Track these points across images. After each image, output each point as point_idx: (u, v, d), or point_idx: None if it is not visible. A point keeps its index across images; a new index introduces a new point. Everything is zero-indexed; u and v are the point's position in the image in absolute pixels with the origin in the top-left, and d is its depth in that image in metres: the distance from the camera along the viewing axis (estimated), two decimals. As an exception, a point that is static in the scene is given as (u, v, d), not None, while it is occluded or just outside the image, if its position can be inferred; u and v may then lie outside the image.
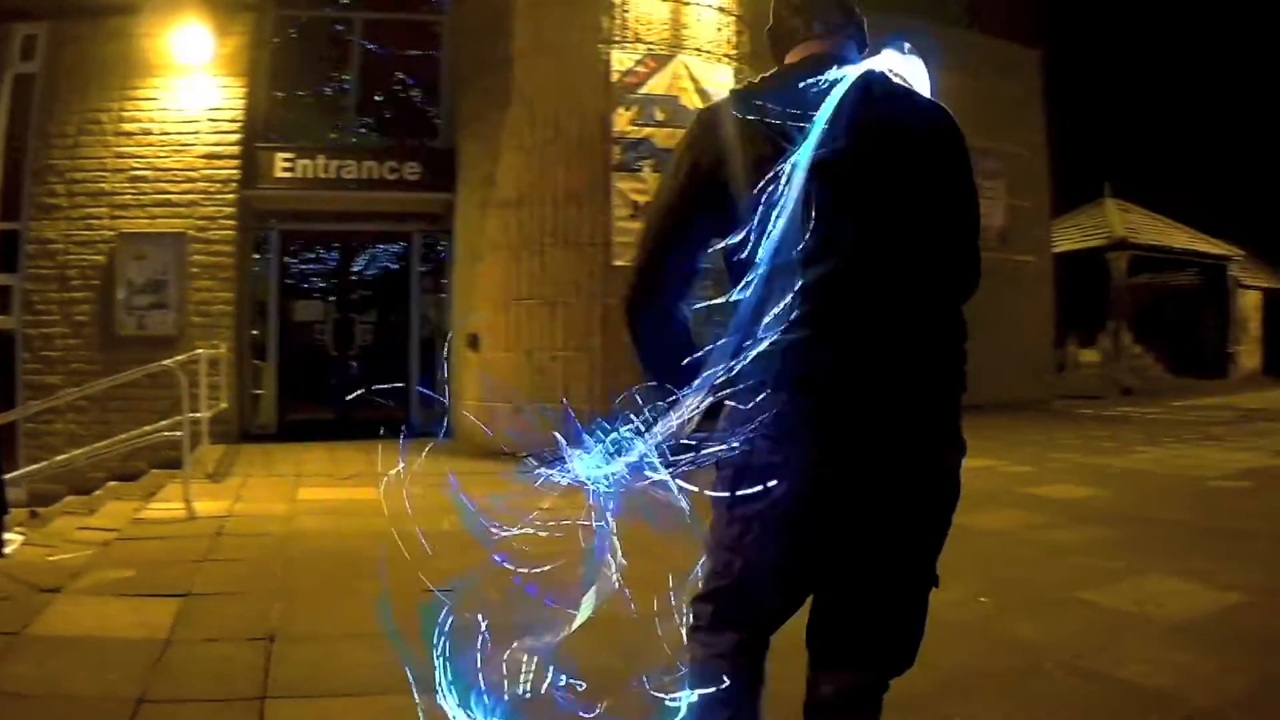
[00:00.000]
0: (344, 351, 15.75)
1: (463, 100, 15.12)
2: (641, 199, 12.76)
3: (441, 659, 3.24)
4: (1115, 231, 31.33)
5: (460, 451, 13.59)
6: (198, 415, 10.47)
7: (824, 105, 2.63)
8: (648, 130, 12.94)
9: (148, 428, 11.17)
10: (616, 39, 13.03)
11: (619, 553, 3.03)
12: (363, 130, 16.94)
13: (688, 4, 13.42)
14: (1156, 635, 5.68)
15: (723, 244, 2.90)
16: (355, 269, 17.74)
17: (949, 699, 4.59)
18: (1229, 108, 38.80)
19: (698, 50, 13.35)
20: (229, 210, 14.74)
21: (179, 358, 10.82)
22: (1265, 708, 4.62)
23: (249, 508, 9.30)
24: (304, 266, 17.87)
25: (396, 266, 17.65)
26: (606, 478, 2.91)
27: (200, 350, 11.34)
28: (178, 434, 9.88)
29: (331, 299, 17.00)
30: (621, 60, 13.01)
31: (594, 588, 3.06)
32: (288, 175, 14.96)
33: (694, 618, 2.87)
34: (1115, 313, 31.13)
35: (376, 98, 17.16)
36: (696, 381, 2.75)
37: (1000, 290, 22.89)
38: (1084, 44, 28.86)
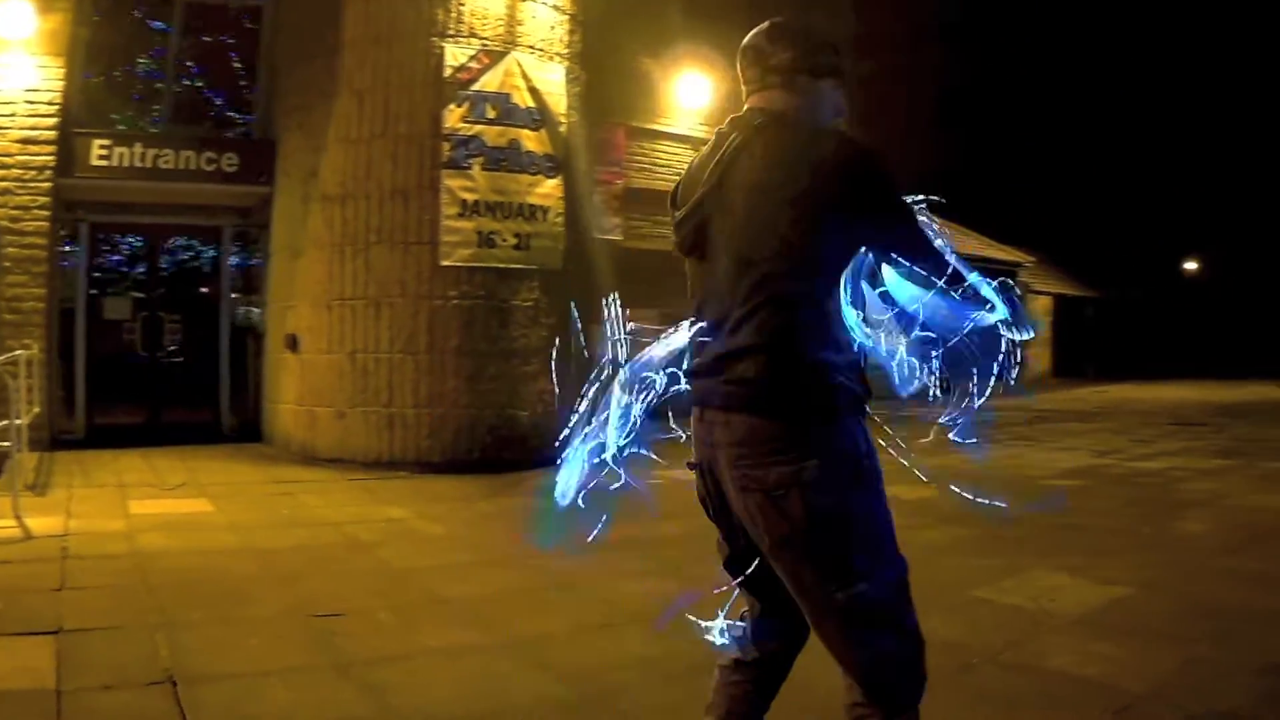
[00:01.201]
0: (154, 352, 14.89)
1: (286, 90, 14.36)
2: (471, 197, 12.43)
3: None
4: (943, 238, 32.00)
5: (278, 457, 13.15)
6: (19, 422, 9.63)
7: None
8: (479, 127, 12.50)
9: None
10: (451, 33, 12.52)
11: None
12: (181, 119, 15.75)
13: (524, 0, 13.00)
14: (1064, 628, 5.75)
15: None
16: (166, 264, 16.80)
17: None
18: (1020, 117, 40.15)
19: (531, 48, 12.98)
20: (44, 200, 13.49)
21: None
22: (1196, 688, 4.71)
23: (85, 524, 8.49)
24: (114, 262, 16.92)
25: (209, 262, 16.79)
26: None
27: (19, 351, 10.44)
28: (4, 444, 9.08)
29: (141, 296, 16.07)
30: (455, 55, 12.52)
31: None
32: (104, 164, 13.84)
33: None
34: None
35: (197, 85, 16.11)
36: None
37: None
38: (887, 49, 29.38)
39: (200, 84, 15.95)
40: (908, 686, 2.85)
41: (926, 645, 2.88)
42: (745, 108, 3.17)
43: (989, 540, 8.42)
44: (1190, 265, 48.98)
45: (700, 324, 2.99)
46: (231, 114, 16.24)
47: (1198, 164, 41.41)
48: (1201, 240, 45.46)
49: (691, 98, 21.44)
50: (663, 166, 21.33)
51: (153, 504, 9.43)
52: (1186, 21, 39.85)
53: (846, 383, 2.82)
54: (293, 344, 13.20)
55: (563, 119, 13.16)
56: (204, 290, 16.58)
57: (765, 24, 3.21)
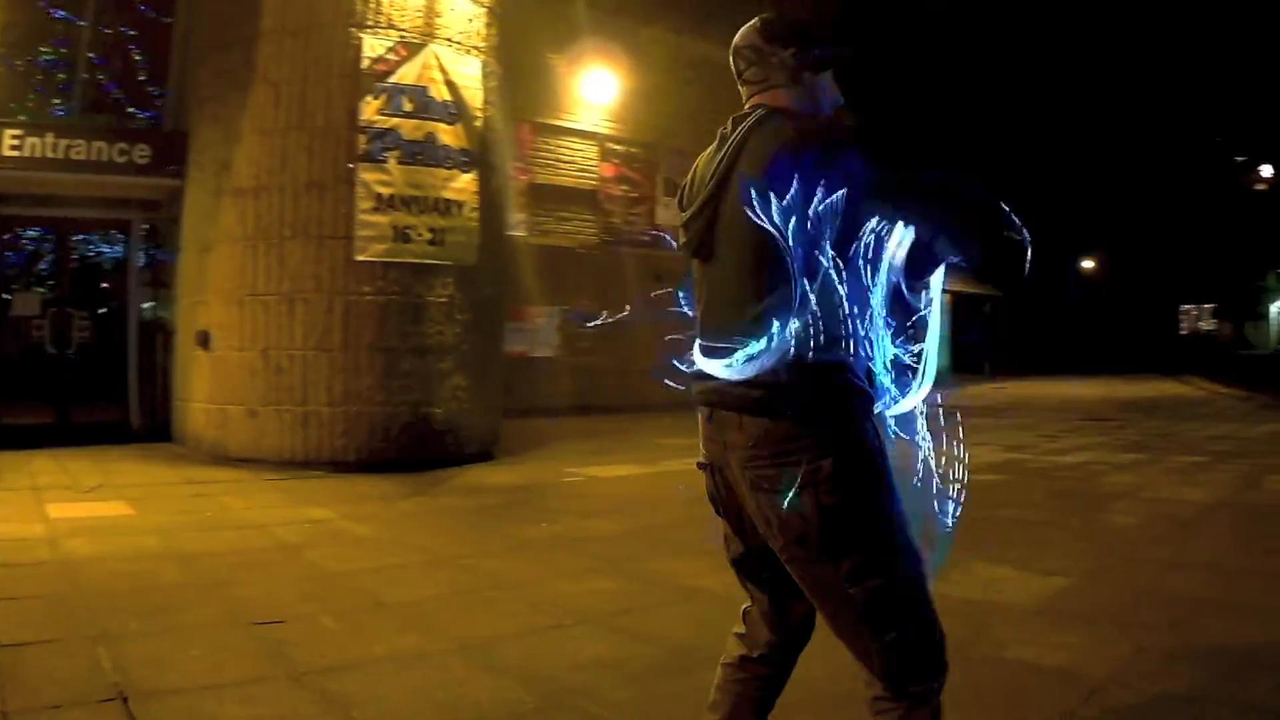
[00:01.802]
0: (63, 349, 14.34)
1: (201, 80, 13.74)
2: (386, 191, 12.15)
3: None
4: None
5: (190, 457, 12.71)
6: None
7: None
8: (395, 120, 12.22)
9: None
10: (369, 24, 12.21)
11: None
12: (93, 109, 15.22)
13: (443, -9, 12.81)
14: (1017, 619, 5.76)
15: None
16: (75, 259, 16.23)
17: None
18: (923, 115, 40.53)
19: (449, 40, 12.69)
20: (-44, 191, 12.93)
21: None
22: (1154, 673, 4.77)
23: (5, 530, 8.06)
24: (21, 256, 16.36)
25: (117, 257, 16.27)
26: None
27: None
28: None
29: (49, 292, 15.51)
30: (373, 46, 12.22)
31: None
32: (15, 154, 13.22)
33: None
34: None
35: (108, 75, 15.37)
36: None
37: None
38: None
39: (112, 74, 15.35)
40: (928, 678, 2.82)
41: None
42: (748, 105, 3.13)
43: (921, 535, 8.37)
44: (1086, 264, 50.00)
45: (708, 326, 3.00)
46: (143, 104, 15.62)
47: (1093, 164, 42.23)
48: (1096, 240, 46.40)
49: (596, 93, 21.33)
50: (566, 162, 21.21)
51: (71, 507, 9.00)
52: (1083, 26, 40.55)
53: (856, 381, 2.82)
54: (204, 341, 12.75)
55: (479, 113, 12.92)
56: (113, 286, 16.04)
57: (756, 22, 3.14)
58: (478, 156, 12.88)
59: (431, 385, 12.41)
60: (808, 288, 2.72)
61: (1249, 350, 52.07)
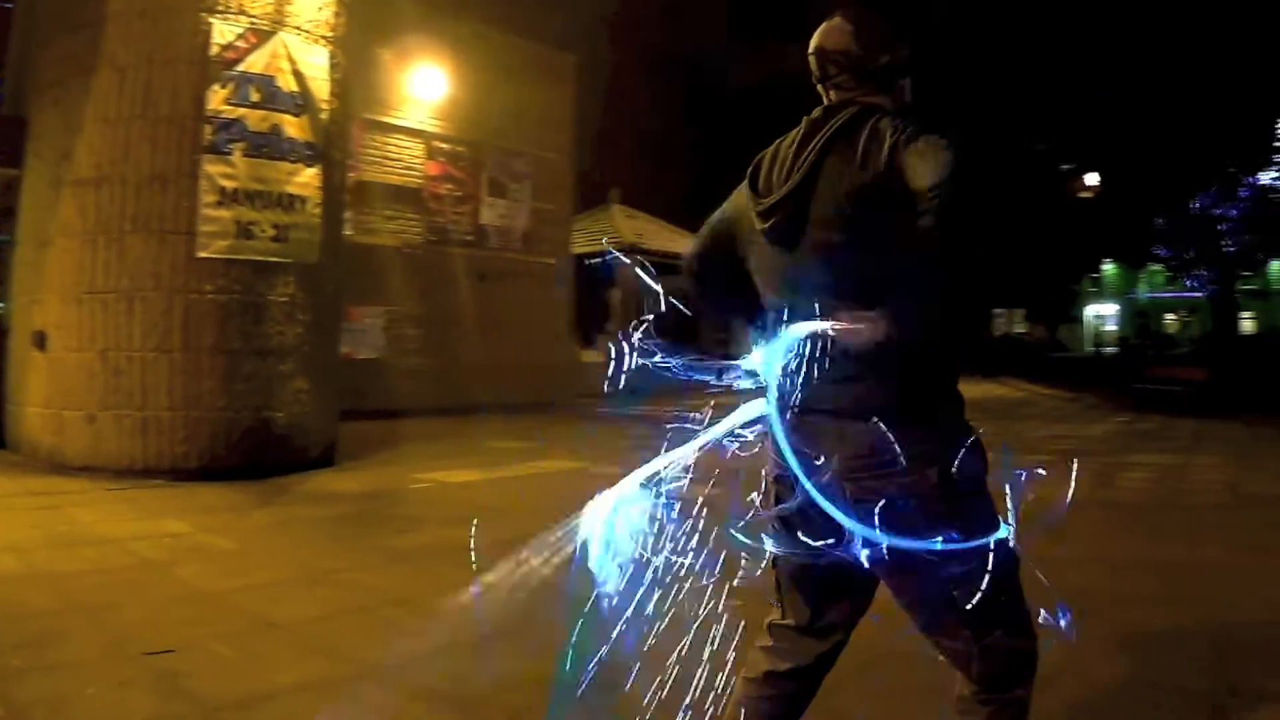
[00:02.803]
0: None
1: (42, 64, 12.72)
2: (230, 184, 11.42)
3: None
4: (625, 237, 32.00)
5: (26, 465, 11.79)
6: None
7: None
8: (242, 111, 11.47)
9: None
10: (220, 8, 11.42)
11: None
12: None
13: (295, -23, 12.07)
14: None
15: None
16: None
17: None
18: (738, 123, 40.78)
19: (298, 29, 11.99)
20: None
21: None
22: (1100, 663, 4.87)
23: None
24: None
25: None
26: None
27: None
28: None
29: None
30: (223, 32, 11.45)
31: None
32: None
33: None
34: (622, 315, 31.81)
35: None
36: None
37: (523, 292, 23.02)
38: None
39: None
40: (1025, 678, 2.75)
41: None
42: (835, 101, 2.97)
43: None
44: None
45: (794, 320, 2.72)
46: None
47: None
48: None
49: (425, 90, 20.89)
50: (393, 160, 20.70)
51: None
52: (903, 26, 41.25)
53: (952, 383, 2.77)
54: (40, 342, 11.75)
55: (325, 105, 12.26)
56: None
57: (842, 23, 2.99)
58: (321, 150, 12.22)
59: (273, 388, 11.72)
60: (916, 286, 2.55)
61: (1062, 353, 54.10)
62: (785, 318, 2.76)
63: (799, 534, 2.80)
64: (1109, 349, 58.86)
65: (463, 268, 21.88)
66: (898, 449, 2.58)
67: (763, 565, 2.97)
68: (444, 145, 21.70)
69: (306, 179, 12.00)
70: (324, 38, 12.36)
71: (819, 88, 3.02)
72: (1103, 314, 72.66)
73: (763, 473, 2.96)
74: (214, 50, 11.44)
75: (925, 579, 2.65)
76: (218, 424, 11.39)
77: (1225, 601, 6.22)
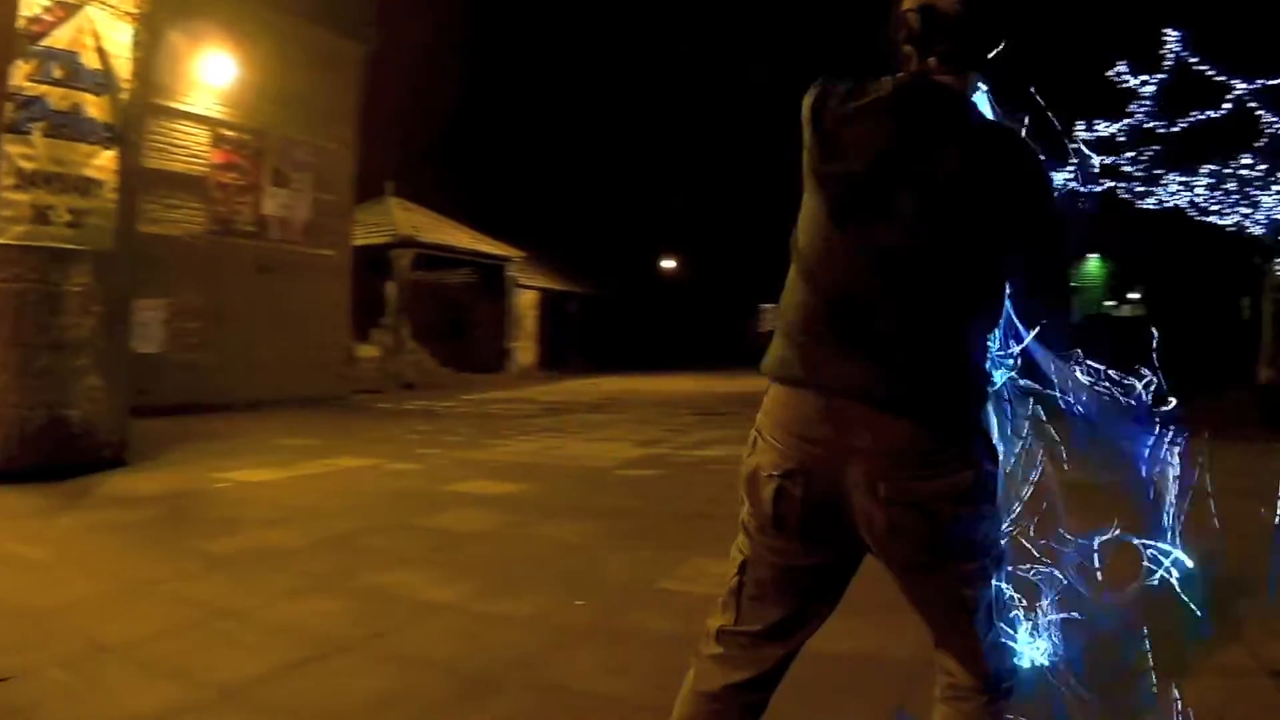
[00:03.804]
0: None
1: None
2: (30, 166, 10.54)
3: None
4: (400, 229, 31.48)
5: None
6: None
7: None
8: (44, 88, 10.56)
9: None
10: (28, -23, 10.46)
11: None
12: None
13: (103, -52, 11.00)
14: None
15: None
16: None
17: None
18: (511, 117, 40.46)
19: (104, 4, 11.02)
20: None
21: None
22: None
23: None
24: None
25: None
26: None
27: None
28: None
29: None
30: (30, 3, 10.51)
31: None
32: None
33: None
34: (398, 309, 31.28)
35: None
36: None
37: (303, 284, 22.31)
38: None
39: None
40: (1013, 673, 2.80)
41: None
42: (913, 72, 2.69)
43: (618, 534, 8.25)
44: (667, 263, 51.39)
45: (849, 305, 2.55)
46: None
47: (672, 166, 43.38)
48: (676, 239, 47.74)
49: (212, 75, 20.00)
50: (179, 147, 19.75)
51: None
52: (672, 27, 41.54)
53: (990, 390, 2.76)
54: None
55: (125, 85, 11.36)
56: None
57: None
58: (120, 133, 11.34)
59: (68, 384, 10.84)
60: (983, 284, 2.60)
61: None
62: (836, 308, 2.63)
63: (807, 533, 2.64)
64: None
65: (244, 259, 21.07)
66: (941, 453, 2.48)
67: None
68: (229, 133, 20.80)
69: (104, 162, 11.11)
70: (129, 14, 11.42)
71: (906, 47, 2.69)
72: None
73: (754, 468, 2.69)
74: (21, 23, 10.52)
75: (946, 577, 2.60)
76: (12, 422, 10.49)
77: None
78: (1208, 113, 19.17)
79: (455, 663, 4.97)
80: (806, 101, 2.67)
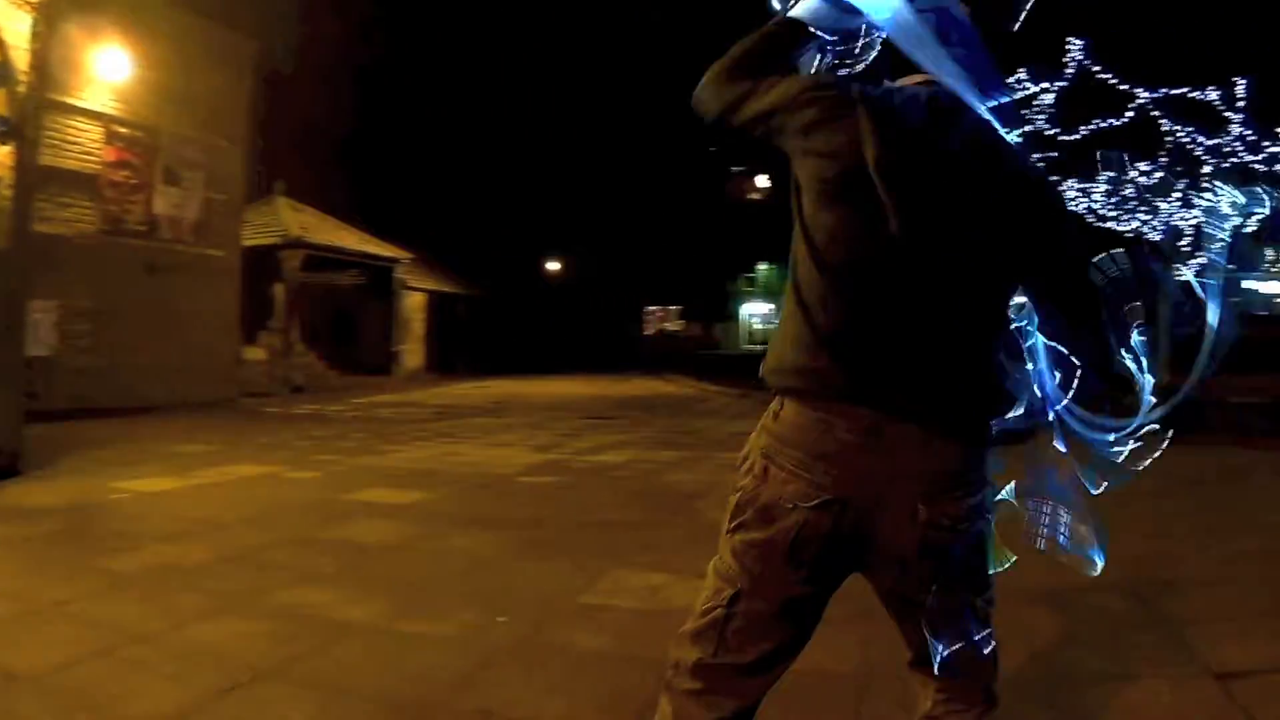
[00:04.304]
0: None
1: None
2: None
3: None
4: (290, 230, 30.78)
5: None
6: None
7: None
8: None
9: None
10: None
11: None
12: None
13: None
14: None
15: None
16: None
17: None
18: (402, 119, 39.91)
19: (4, -8, 10.39)
20: None
21: None
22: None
23: None
24: None
25: None
26: None
27: None
28: None
29: None
30: None
31: None
32: None
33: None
34: (286, 311, 30.59)
35: None
36: None
37: (193, 285, 21.73)
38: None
39: None
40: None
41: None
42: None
43: (530, 545, 8.03)
44: (553, 265, 51.11)
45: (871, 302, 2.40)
46: None
47: (558, 168, 43.15)
48: (562, 241, 47.50)
49: (107, 71, 19.38)
50: (72, 144, 19.12)
51: None
52: (550, 42, 41.32)
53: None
54: None
55: (23, 78, 10.82)
56: None
57: None
58: (16, 127, 10.80)
59: (-41, 392, 10.22)
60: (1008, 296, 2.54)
61: (717, 350, 55.12)
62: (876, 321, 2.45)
63: (821, 564, 2.46)
64: (763, 347, 60.59)
65: (134, 259, 20.47)
66: (976, 471, 2.45)
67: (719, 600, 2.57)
68: (123, 129, 20.20)
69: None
70: (28, 3, 10.82)
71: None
72: (757, 313, 74.10)
73: (772, 500, 2.47)
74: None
75: (961, 593, 2.48)
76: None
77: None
78: (1110, 120, 19.51)
79: (384, 688, 4.72)
80: (832, 95, 2.44)
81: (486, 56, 41.77)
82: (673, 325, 67.61)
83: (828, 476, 2.37)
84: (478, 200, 42.38)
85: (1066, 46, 18.97)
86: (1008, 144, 2.52)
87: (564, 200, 44.59)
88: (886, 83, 2.60)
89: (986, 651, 2.54)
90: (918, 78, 2.55)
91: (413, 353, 38.29)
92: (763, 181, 45.98)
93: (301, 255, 31.02)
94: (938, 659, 2.51)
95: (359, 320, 36.46)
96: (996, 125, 2.51)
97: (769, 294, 70.27)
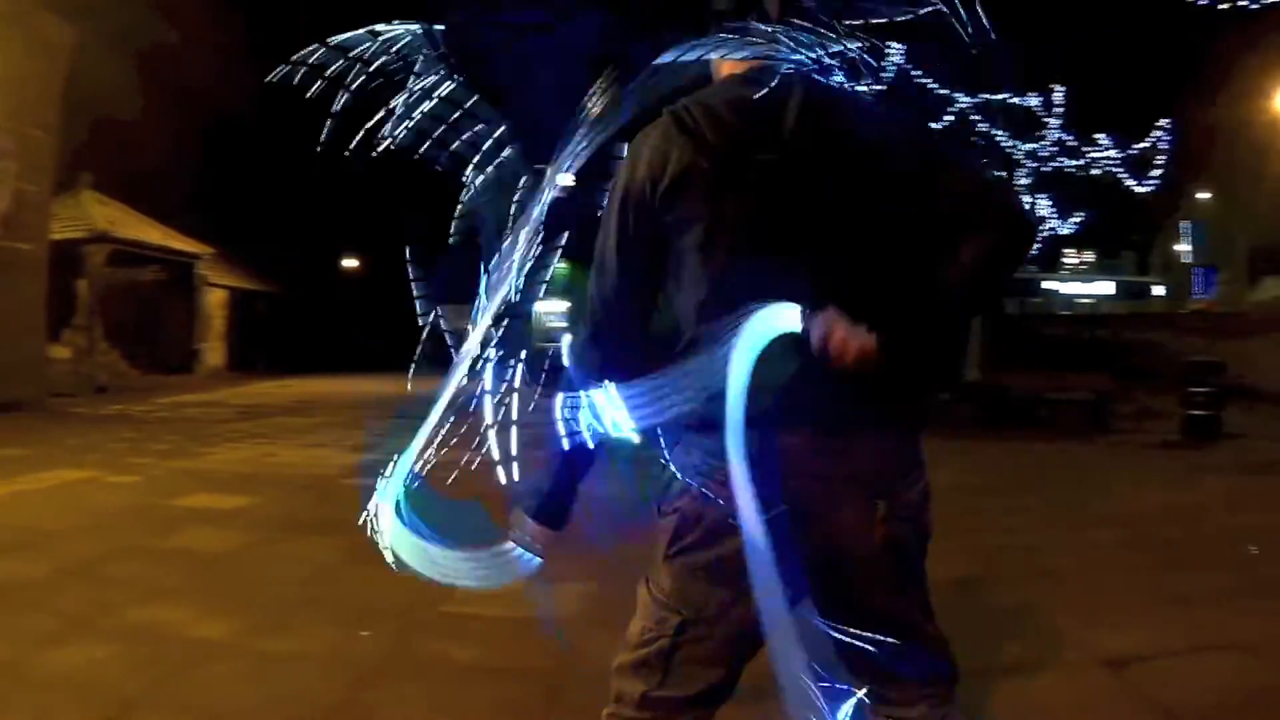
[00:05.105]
0: None
1: None
2: None
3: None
4: (96, 224, 29.14)
5: None
6: None
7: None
8: None
9: None
10: None
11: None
12: None
13: None
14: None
15: None
16: None
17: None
18: (201, 111, 38.23)
19: None
20: None
21: None
22: None
23: None
24: None
25: None
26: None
27: None
28: None
29: None
30: None
31: None
32: None
33: None
34: (91, 308, 29.02)
35: None
36: None
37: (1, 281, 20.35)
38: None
39: None
40: None
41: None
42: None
43: (368, 551, 7.44)
44: (350, 263, 49.89)
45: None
46: None
47: (353, 165, 42.10)
48: (360, 239, 46.36)
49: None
50: None
51: None
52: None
53: None
54: None
55: None
56: None
57: None
58: None
59: None
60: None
61: None
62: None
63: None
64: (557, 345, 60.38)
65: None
66: (918, 460, 2.37)
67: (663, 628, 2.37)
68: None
69: None
70: None
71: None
72: (552, 311, 73.34)
73: (715, 519, 2.26)
74: None
75: (915, 588, 2.39)
76: None
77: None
78: (929, 123, 20.02)
79: (265, 715, 4.44)
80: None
81: (282, 49, 40.26)
82: (464, 324, 66.82)
83: (779, 486, 2.18)
84: (277, 195, 40.90)
85: (886, 50, 19.31)
86: (845, 102, 2.42)
87: (361, 197, 43.46)
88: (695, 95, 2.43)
89: (939, 634, 2.45)
90: (731, 66, 2.47)
91: (214, 351, 36.88)
92: (566, 180, 45.76)
93: (107, 250, 29.36)
94: (900, 660, 2.37)
95: (161, 318, 34.82)
96: (829, 83, 2.42)
97: (564, 292, 69.95)
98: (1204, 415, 15.36)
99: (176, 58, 30.22)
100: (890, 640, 2.30)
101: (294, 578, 6.98)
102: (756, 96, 2.32)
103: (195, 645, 5.37)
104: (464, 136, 3.26)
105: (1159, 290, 68.09)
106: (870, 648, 2.31)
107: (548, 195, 2.84)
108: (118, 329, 30.51)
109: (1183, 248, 65.36)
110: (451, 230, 3.33)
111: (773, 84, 2.32)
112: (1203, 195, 55.74)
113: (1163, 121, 22.62)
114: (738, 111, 2.33)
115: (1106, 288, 62.30)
